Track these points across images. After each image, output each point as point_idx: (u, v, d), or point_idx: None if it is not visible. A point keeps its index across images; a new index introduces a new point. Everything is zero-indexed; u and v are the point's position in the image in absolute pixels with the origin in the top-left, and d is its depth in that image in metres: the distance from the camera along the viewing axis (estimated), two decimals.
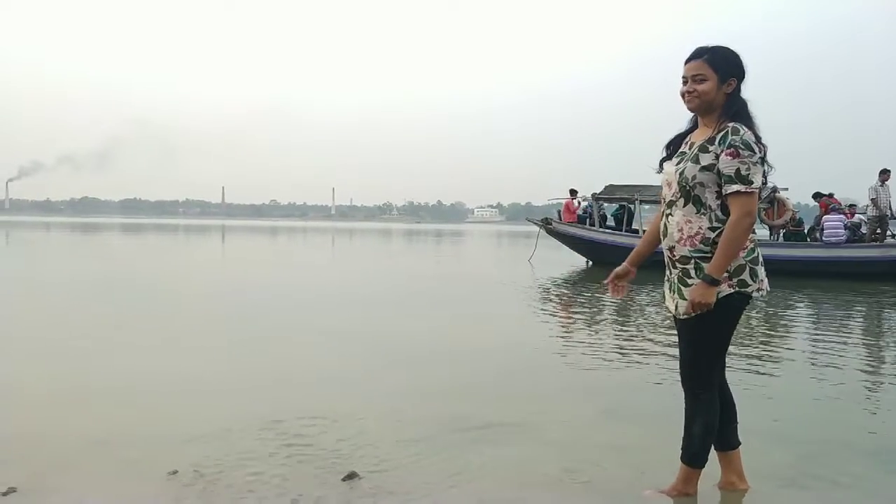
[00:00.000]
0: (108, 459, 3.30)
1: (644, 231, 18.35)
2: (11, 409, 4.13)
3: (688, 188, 2.66)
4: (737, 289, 2.64)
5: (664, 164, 2.85)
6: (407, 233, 61.29)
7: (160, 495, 2.91)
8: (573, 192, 20.44)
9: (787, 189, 16.71)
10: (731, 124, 2.62)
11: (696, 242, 2.66)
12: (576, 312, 9.77)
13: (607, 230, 19.28)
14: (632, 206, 19.15)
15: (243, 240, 37.72)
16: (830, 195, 17.18)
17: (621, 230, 19.05)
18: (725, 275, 2.62)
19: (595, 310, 10.02)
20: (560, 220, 20.30)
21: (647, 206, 19.02)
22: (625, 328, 8.17)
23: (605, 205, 20.09)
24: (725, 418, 2.85)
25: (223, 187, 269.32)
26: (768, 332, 7.89)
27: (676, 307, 2.75)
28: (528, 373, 5.53)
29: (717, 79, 2.65)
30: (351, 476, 3.11)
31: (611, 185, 19.64)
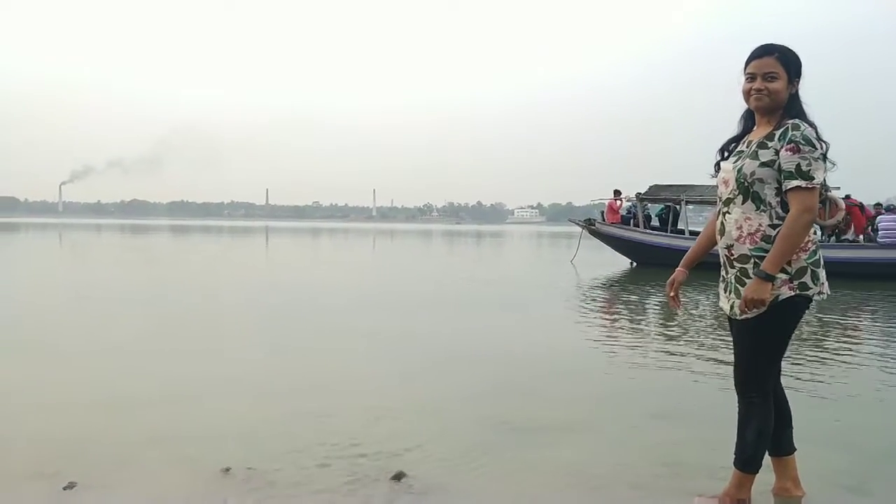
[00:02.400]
0: (163, 457, 3.38)
1: (690, 232, 18.18)
2: (71, 407, 4.26)
3: (746, 184, 2.62)
4: (798, 291, 2.58)
5: (721, 165, 2.81)
6: (447, 234, 61.42)
7: (215, 492, 2.97)
8: (617, 193, 20.23)
9: (838, 189, 16.25)
10: (790, 121, 2.58)
11: (757, 240, 2.61)
12: (620, 314, 9.66)
13: (652, 231, 19.02)
14: (677, 207, 18.86)
15: (287, 241, 38.29)
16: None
17: (666, 231, 18.77)
18: (786, 276, 2.56)
19: (640, 311, 9.89)
20: (603, 220, 20.11)
21: (691, 207, 18.73)
22: (670, 330, 8.04)
23: (650, 205, 19.82)
24: (780, 423, 2.78)
25: (267, 189, 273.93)
26: (824, 334, 7.67)
27: (732, 307, 2.70)
28: (574, 375, 5.49)
29: (786, 78, 2.61)
30: (399, 476, 3.12)
31: (655, 186, 19.38)
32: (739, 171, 2.64)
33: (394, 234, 59.41)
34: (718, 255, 2.80)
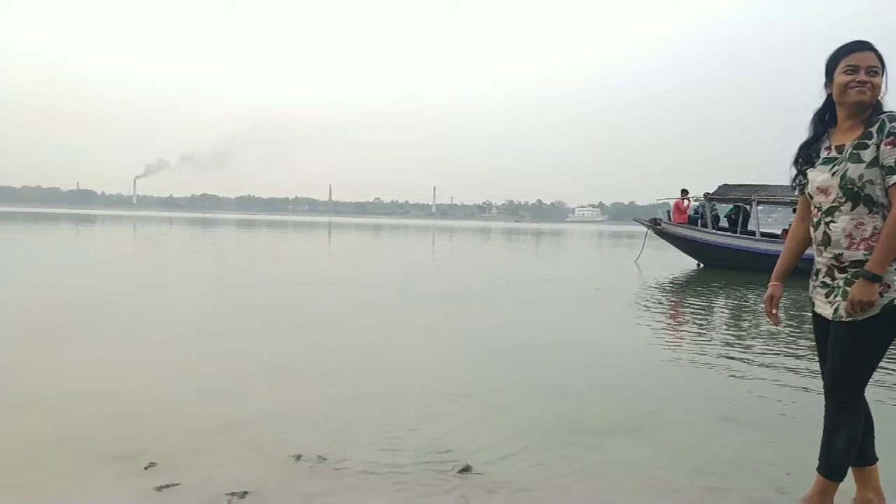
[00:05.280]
0: (236, 441, 3.49)
1: (761, 233, 17.55)
2: (149, 392, 4.45)
3: (855, 189, 2.52)
4: None
5: (808, 173, 2.70)
6: (506, 231, 61.19)
7: (287, 477, 3.05)
8: (684, 192, 19.78)
9: None
10: (884, 114, 2.49)
11: (873, 243, 2.51)
12: (686, 316, 9.44)
13: (720, 231, 18.52)
14: (747, 207, 18.29)
15: (351, 237, 38.87)
16: None
17: (735, 231, 18.24)
18: None
19: (707, 313, 9.65)
20: (669, 220, 19.69)
21: (760, 207, 18.14)
22: (736, 333, 7.82)
23: (718, 205, 19.30)
24: (863, 431, 2.67)
25: (330, 185, 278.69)
26: None
27: (837, 310, 2.60)
28: (640, 376, 5.41)
29: (882, 74, 2.54)
30: (465, 469, 3.15)
31: (725, 185, 18.85)
32: (843, 176, 2.54)
33: (453, 230, 59.56)
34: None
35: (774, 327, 7.68)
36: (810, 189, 2.68)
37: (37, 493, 2.85)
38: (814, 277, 2.76)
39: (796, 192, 2.81)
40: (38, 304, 8.41)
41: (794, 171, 2.78)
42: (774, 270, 2.90)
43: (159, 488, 2.90)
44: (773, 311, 2.88)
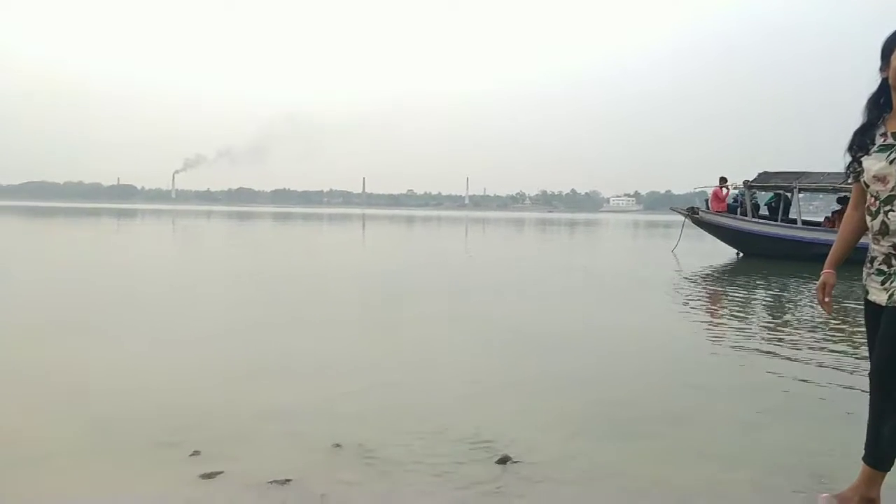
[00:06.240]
0: (277, 431, 3.54)
1: (803, 221, 17.08)
2: (189, 385, 4.53)
3: None
4: None
5: (863, 161, 2.62)
6: (540, 222, 60.84)
7: (328, 465, 3.09)
8: (723, 180, 19.42)
9: None
10: None
11: None
12: (725, 306, 9.30)
13: (760, 220, 18.15)
14: (788, 195, 17.88)
15: (384, 228, 39.09)
16: None
17: (776, 220, 17.85)
18: None
19: (747, 304, 9.48)
20: (707, 209, 19.36)
21: (802, 195, 17.72)
22: (777, 324, 7.67)
23: (758, 193, 18.90)
24: None
25: (364, 178, 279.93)
26: None
27: (892, 296, 2.53)
28: (680, 367, 5.35)
29: None
30: (504, 460, 3.15)
31: (765, 172, 18.44)
32: None
33: (486, 221, 59.45)
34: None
35: (816, 318, 7.52)
36: (866, 178, 2.60)
37: (87, 479, 2.94)
38: (868, 265, 2.68)
39: (850, 180, 2.73)
40: (82, 301, 8.66)
41: (849, 159, 2.69)
42: (828, 258, 2.82)
43: (204, 476, 2.95)
44: (827, 300, 2.81)
